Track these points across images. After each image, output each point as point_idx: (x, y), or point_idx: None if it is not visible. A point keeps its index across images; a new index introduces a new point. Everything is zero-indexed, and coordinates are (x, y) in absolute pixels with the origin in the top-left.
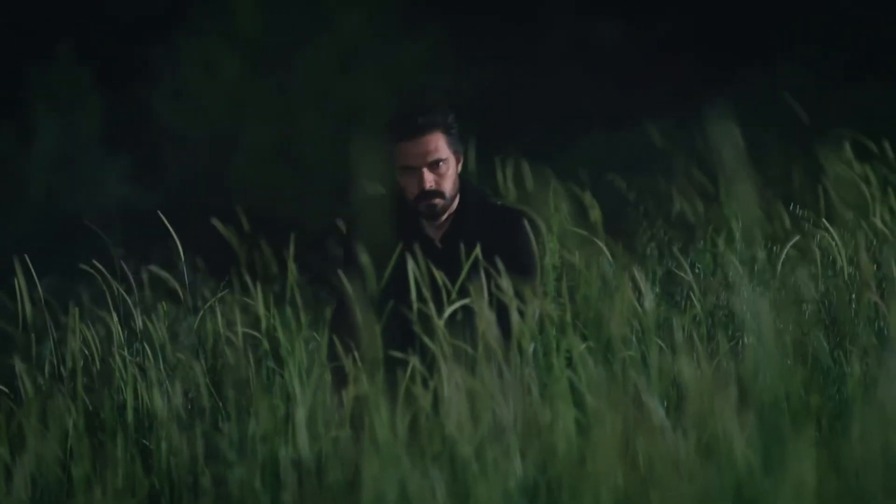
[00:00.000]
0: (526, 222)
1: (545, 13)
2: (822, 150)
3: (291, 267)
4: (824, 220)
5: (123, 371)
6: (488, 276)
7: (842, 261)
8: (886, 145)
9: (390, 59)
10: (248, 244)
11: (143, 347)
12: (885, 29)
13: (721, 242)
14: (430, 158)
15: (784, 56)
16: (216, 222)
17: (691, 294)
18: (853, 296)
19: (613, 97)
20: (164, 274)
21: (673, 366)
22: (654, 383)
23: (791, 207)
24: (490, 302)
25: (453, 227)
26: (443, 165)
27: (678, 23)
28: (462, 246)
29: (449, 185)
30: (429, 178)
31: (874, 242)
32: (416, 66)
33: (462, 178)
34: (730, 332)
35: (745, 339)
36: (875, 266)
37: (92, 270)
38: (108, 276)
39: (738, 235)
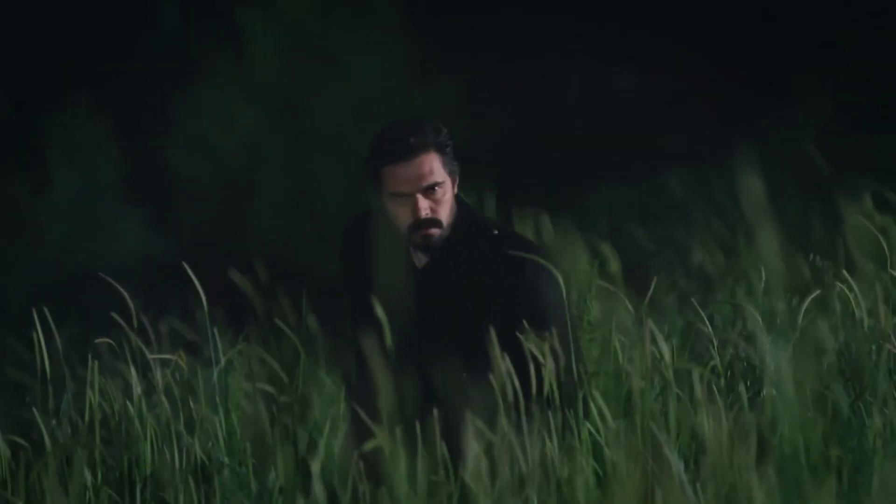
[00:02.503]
0: (539, 271)
1: (562, 62)
2: (843, 201)
3: (308, 320)
4: (844, 272)
5: (141, 424)
6: (479, 313)
7: (861, 312)
8: None
9: (406, 108)
10: (266, 294)
11: (162, 400)
12: None
13: (740, 293)
14: (425, 183)
15: (802, 105)
16: (233, 273)
17: (711, 346)
18: (873, 347)
19: (631, 146)
20: (182, 326)
21: (692, 418)
22: (673, 436)
23: (811, 258)
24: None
25: (440, 255)
26: (439, 190)
27: (695, 72)
28: (446, 270)
29: (446, 212)
30: (424, 206)
31: (893, 294)
32: (431, 114)
33: (456, 197)
34: (749, 384)
35: (765, 391)
36: (894, 317)
37: (116, 318)
38: (127, 327)
39: (758, 286)
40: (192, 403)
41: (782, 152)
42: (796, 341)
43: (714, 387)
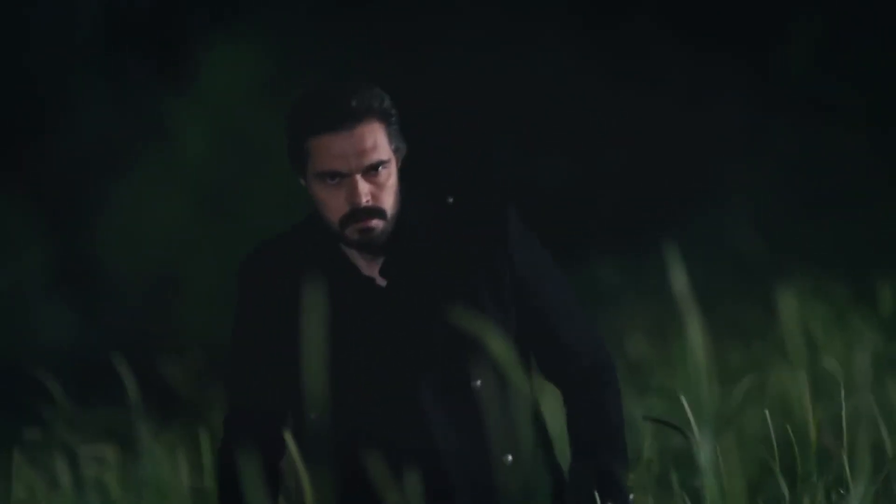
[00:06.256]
0: (522, 221)
1: (490, 151)
2: (776, 287)
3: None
4: (778, 358)
5: None
6: (470, 299)
7: (795, 399)
8: (839, 281)
9: None
10: (197, 383)
11: (89, 492)
12: (830, 167)
13: (674, 382)
14: (367, 160)
15: (735, 193)
16: (163, 362)
17: (643, 434)
18: (807, 434)
19: (561, 236)
20: (112, 416)
21: None
22: None
23: (745, 345)
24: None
25: (394, 250)
26: (383, 171)
27: (625, 161)
28: (415, 274)
29: (390, 200)
30: (364, 190)
31: (827, 380)
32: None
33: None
34: (683, 474)
35: (700, 481)
36: (827, 405)
37: (43, 411)
38: (55, 419)
39: (692, 374)
40: (118, 495)
41: (715, 239)
42: (730, 429)
43: (648, 477)
